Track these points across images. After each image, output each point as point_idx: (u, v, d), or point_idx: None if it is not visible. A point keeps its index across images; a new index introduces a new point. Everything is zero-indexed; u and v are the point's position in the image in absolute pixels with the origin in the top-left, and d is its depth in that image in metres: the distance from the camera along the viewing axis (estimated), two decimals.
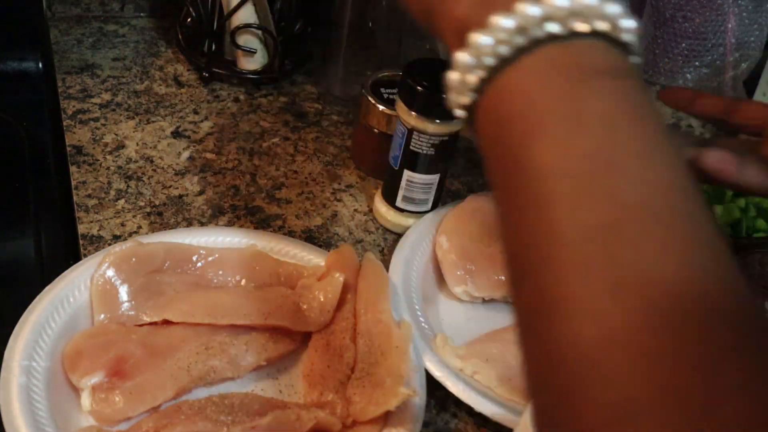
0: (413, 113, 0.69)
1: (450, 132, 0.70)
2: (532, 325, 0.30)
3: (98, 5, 1.01)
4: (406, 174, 0.73)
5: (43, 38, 0.96)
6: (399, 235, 0.75)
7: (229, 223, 0.75)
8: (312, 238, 0.75)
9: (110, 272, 0.61)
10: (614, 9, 0.32)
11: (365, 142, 0.82)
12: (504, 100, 0.33)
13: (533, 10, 0.31)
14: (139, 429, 0.53)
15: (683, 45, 1.11)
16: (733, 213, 0.79)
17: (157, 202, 0.75)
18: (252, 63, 0.93)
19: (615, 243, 0.28)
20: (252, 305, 0.61)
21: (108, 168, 0.78)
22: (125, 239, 0.69)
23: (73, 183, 0.76)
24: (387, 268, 0.68)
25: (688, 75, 1.14)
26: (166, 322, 0.60)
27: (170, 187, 0.77)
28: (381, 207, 0.77)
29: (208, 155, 0.83)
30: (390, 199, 0.76)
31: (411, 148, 0.71)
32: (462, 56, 0.33)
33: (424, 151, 0.71)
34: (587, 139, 0.30)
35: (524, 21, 0.32)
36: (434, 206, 0.77)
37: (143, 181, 0.77)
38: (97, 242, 0.69)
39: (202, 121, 0.87)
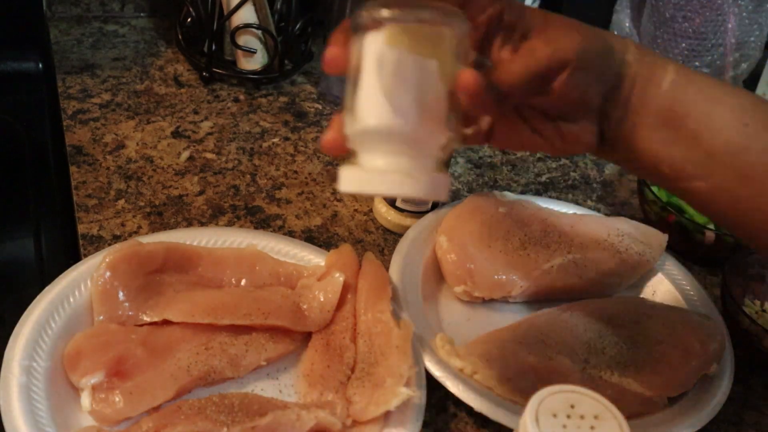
0: None
1: None
2: None
3: (98, 5, 1.01)
4: None
5: (43, 38, 0.96)
6: (399, 235, 0.75)
7: (229, 223, 0.75)
8: (312, 238, 0.75)
9: (110, 272, 0.61)
10: None
11: None
12: None
13: None
14: (139, 429, 0.53)
15: (683, 45, 1.11)
16: None
17: (157, 202, 0.75)
18: (252, 63, 0.93)
19: None
20: (252, 305, 0.61)
21: (108, 168, 0.78)
22: (125, 239, 0.69)
23: (73, 183, 0.76)
24: (387, 268, 0.68)
25: None
26: (166, 322, 0.60)
27: (170, 187, 0.77)
28: (381, 207, 0.77)
29: (208, 155, 0.83)
30: (390, 199, 0.76)
31: None
32: None
33: None
34: None
35: None
36: (434, 206, 0.77)
37: (143, 181, 0.77)
38: (97, 242, 0.69)
39: (202, 121, 0.87)
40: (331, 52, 0.46)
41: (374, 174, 0.45)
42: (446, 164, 0.48)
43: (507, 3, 0.47)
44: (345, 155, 0.47)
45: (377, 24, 0.45)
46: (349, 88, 0.46)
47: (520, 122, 0.52)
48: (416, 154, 0.45)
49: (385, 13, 0.44)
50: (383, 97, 0.44)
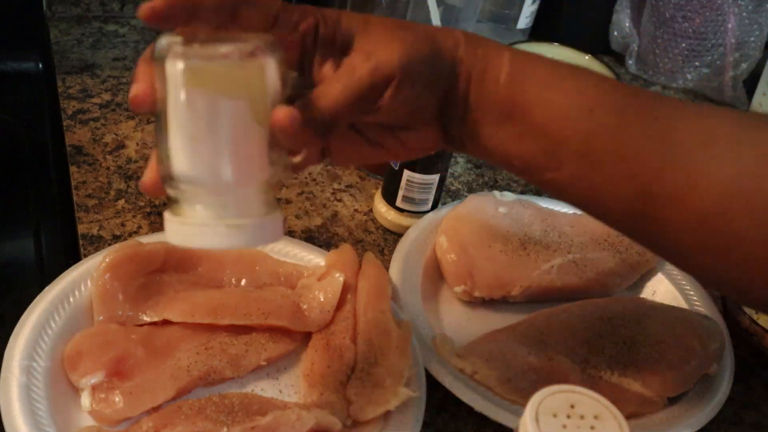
0: None
1: None
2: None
3: (98, 5, 1.01)
4: (406, 174, 0.73)
5: (43, 38, 0.96)
6: (399, 235, 0.75)
7: None
8: (312, 238, 0.75)
9: (110, 273, 0.61)
10: None
11: None
12: None
13: None
14: (139, 429, 0.53)
15: (683, 45, 1.11)
16: None
17: (157, 202, 0.75)
18: None
19: None
20: (252, 305, 0.61)
21: (108, 168, 0.78)
22: (125, 239, 0.69)
23: (73, 183, 0.76)
24: (387, 268, 0.68)
25: (688, 75, 1.14)
26: (166, 322, 0.60)
27: None
28: (381, 207, 0.77)
29: None
30: (390, 199, 0.76)
31: None
32: None
33: None
34: None
35: None
36: (434, 206, 0.77)
37: None
38: (97, 242, 0.69)
39: None
40: (136, 89, 0.41)
41: (199, 227, 0.41)
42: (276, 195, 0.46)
43: (320, 15, 0.44)
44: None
45: (178, 58, 0.40)
46: (157, 127, 0.41)
47: (356, 137, 0.49)
48: (239, 199, 0.42)
49: (184, 51, 0.40)
50: (190, 142, 0.40)
